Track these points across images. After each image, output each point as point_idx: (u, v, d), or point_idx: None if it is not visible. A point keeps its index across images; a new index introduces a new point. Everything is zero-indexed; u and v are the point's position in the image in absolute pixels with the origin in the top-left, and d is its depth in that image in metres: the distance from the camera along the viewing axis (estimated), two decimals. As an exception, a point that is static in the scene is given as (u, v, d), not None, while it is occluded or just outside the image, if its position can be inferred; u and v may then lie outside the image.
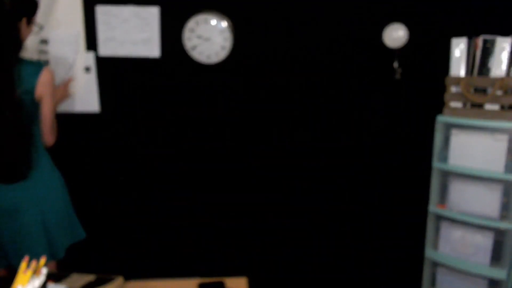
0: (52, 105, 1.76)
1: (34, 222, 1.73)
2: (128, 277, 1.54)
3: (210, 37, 2.12)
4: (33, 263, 1.08)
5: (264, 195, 2.38)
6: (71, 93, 2.15)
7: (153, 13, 2.13)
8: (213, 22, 2.11)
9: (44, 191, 1.76)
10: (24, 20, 1.69)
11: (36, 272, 1.08)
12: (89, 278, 1.47)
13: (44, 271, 1.09)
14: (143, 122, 2.27)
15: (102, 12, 2.12)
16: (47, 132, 1.79)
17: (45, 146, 1.81)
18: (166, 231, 2.40)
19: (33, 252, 1.62)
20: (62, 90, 2.09)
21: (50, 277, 1.28)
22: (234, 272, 1.79)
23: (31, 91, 1.66)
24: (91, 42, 2.15)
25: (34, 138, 1.73)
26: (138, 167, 2.32)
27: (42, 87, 1.69)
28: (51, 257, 1.78)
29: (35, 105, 1.71)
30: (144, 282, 1.57)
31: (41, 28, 1.95)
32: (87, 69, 2.16)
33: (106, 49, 2.16)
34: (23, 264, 1.07)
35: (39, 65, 1.70)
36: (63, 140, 2.12)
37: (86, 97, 2.18)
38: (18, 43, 1.67)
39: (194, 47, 2.14)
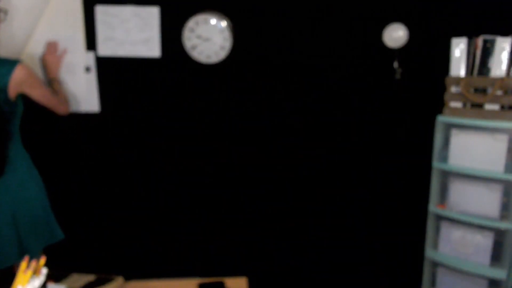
0: (41, 92, 1.76)
1: (5, 223, 1.68)
2: (128, 277, 1.54)
3: (210, 37, 2.12)
4: (33, 263, 1.08)
5: (265, 195, 2.38)
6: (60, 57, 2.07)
7: (153, 13, 2.13)
8: (213, 22, 2.11)
9: (18, 191, 1.71)
10: None
11: (36, 272, 1.08)
12: (89, 278, 1.47)
13: (44, 271, 1.09)
14: (143, 122, 2.27)
15: (102, 12, 2.12)
16: (52, 109, 1.86)
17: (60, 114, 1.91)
18: (166, 231, 2.40)
19: (3, 253, 1.58)
20: (52, 58, 2.02)
21: (50, 277, 1.28)
22: (234, 272, 1.79)
23: (3, 90, 1.62)
24: (91, 42, 2.15)
25: (11, 137, 1.68)
26: (137, 167, 2.32)
27: (17, 85, 1.65)
28: (22, 258, 1.74)
29: (10, 104, 1.66)
30: (144, 282, 1.57)
31: (5, 13, 1.78)
32: (87, 69, 2.16)
33: (106, 49, 2.16)
34: (23, 264, 1.07)
35: (12, 63, 1.65)
36: (63, 139, 2.13)
37: (86, 97, 2.18)
38: None
39: (194, 47, 2.14)
